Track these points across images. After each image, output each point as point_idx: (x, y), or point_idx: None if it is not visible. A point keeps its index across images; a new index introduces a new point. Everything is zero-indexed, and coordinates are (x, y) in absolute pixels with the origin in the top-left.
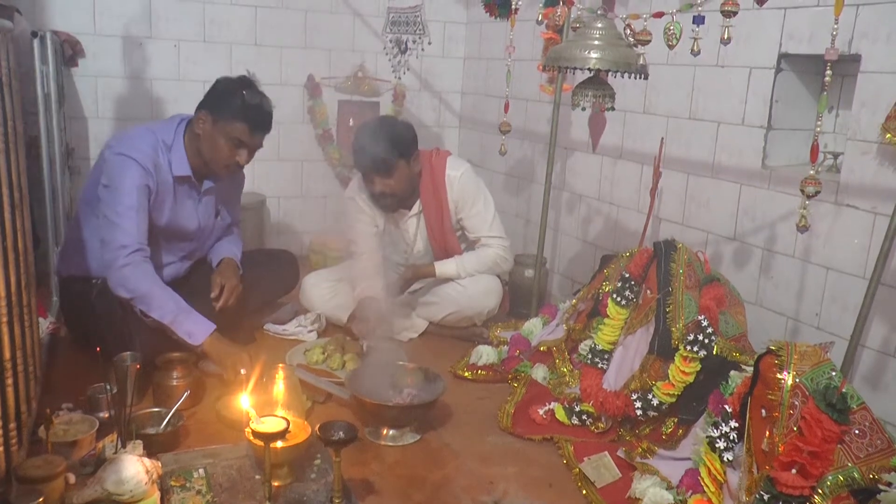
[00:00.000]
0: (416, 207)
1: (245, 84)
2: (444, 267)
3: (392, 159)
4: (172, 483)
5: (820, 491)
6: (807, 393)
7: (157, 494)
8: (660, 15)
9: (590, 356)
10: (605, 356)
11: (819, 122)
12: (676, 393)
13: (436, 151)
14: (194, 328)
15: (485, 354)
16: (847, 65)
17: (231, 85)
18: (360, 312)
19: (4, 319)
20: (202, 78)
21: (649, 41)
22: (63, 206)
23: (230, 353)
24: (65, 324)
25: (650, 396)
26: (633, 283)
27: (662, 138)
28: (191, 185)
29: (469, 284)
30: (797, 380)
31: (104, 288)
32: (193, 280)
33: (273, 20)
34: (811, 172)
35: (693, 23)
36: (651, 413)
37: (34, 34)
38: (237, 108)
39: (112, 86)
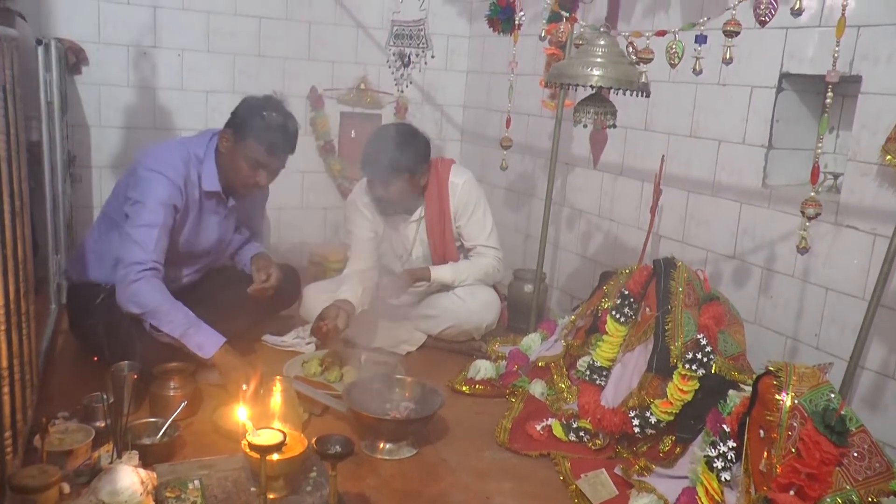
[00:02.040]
0: (418, 213)
1: (269, 104)
2: (439, 271)
3: (401, 171)
4: (167, 494)
5: None
6: (805, 414)
7: None
8: (662, 33)
9: (588, 373)
10: (604, 373)
11: (820, 144)
12: (674, 411)
13: (440, 159)
14: (205, 341)
15: (483, 369)
16: (848, 85)
17: (255, 104)
18: (325, 312)
19: (2, 328)
20: (205, 88)
21: (651, 59)
22: (63, 214)
23: (237, 367)
24: (69, 329)
25: (648, 414)
26: (632, 300)
27: (663, 156)
28: (218, 201)
29: (468, 298)
30: (796, 401)
31: (110, 295)
32: (204, 290)
33: (277, 31)
34: (811, 194)
35: (695, 42)
36: (649, 431)
37: (38, 41)
38: (258, 128)
39: (115, 94)
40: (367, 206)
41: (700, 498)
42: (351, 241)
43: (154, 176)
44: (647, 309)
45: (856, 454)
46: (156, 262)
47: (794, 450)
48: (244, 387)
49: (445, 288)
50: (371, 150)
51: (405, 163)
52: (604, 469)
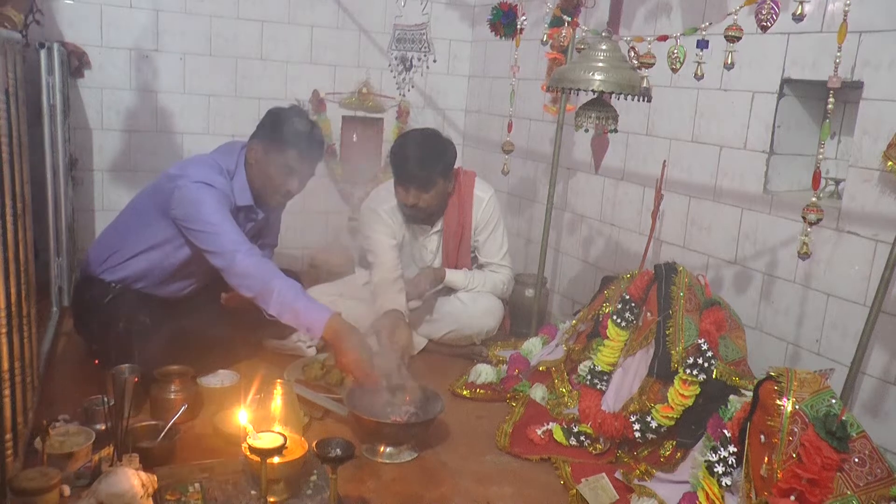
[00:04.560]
0: (439, 225)
1: (295, 113)
2: (453, 275)
3: (433, 175)
4: (168, 497)
5: None
6: (806, 420)
7: None
8: (664, 38)
9: (589, 377)
10: (605, 377)
11: (821, 149)
12: (675, 416)
13: (462, 171)
14: (312, 320)
15: (484, 373)
16: (849, 91)
17: (281, 114)
18: (385, 322)
19: (4, 330)
20: (207, 91)
21: (653, 64)
22: (66, 217)
23: (351, 348)
24: (74, 325)
25: (649, 419)
26: (633, 305)
27: (665, 161)
28: (247, 214)
29: (470, 303)
30: (797, 406)
31: (119, 294)
32: (209, 294)
33: (279, 35)
34: (813, 199)
35: (697, 47)
36: (649, 435)
37: (41, 45)
38: (286, 136)
39: (117, 97)
40: (389, 213)
41: (701, 503)
42: (374, 250)
43: (202, 187)
44: (649, 314)
45: (857, 460)
46: (247, 242)
47: (795, 455)
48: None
49: (449, 292)
50: (404, 154)
51: (440, 166)
52: (604, 474)
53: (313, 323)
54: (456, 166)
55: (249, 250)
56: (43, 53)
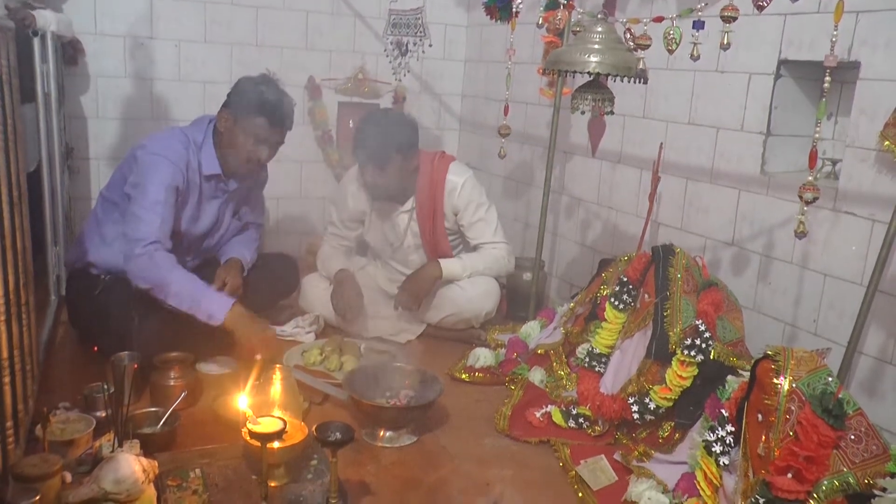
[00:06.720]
0: (409, 204)
1: (264, 81)
2: (449, 266)
3: (387, 153)
4: (169, 483)
5: (815, 496)
6: (803, 398)
7: (153, 494)
8: (660, 19)
9: (587, 360)
10: (603, 360)
11: (818, 129)
12: (673, 397)
13: (440, 155)
14: (213, 308)
15: (482, 357)
16: (846, 72)
17: (251, 83)
18: (339, 287)
19: (2, 318)
20: (203, 78)
21: (649, 45)
22: (62, 206)
23: (249, 336)
24: (69, 320)
25: (647, 400)
26: (630, 287)
27: (661, 143)
28: (217, 184)
29: (467, 286)
30: (794, 385)
31: (110, 285)
32: (203, 278)
33: (274, 21)
34: (809, 179)
35: (693, 28)
36: (648, 417)
37: (35, 33)
38: (255, 104)
39: (112, 85)
40: (355, 196)
41: (699, 482)
42: (329, 231)
43: (157, 159)
44: (646, 295)
45: (853, 437)
46: (159, 238)
47: (791, 433)
48: (258, 357)
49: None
50: (360, 134)
51: (394, 143)
52: (603, 455)
53: (214, 310)
54: (442, 150)
55: (152, 245)
56: (36, 41)
